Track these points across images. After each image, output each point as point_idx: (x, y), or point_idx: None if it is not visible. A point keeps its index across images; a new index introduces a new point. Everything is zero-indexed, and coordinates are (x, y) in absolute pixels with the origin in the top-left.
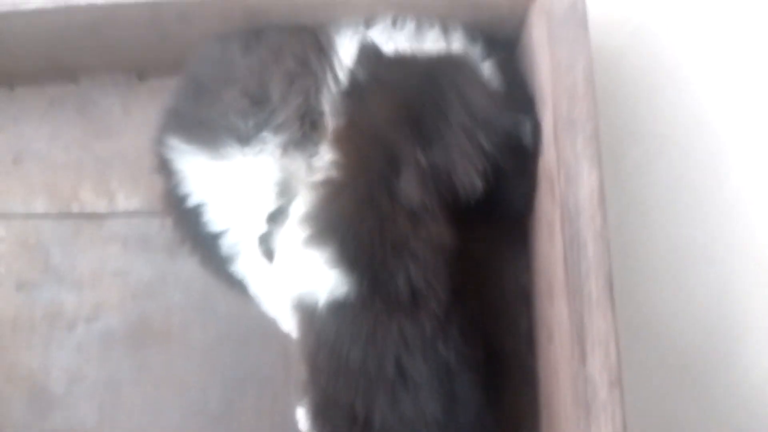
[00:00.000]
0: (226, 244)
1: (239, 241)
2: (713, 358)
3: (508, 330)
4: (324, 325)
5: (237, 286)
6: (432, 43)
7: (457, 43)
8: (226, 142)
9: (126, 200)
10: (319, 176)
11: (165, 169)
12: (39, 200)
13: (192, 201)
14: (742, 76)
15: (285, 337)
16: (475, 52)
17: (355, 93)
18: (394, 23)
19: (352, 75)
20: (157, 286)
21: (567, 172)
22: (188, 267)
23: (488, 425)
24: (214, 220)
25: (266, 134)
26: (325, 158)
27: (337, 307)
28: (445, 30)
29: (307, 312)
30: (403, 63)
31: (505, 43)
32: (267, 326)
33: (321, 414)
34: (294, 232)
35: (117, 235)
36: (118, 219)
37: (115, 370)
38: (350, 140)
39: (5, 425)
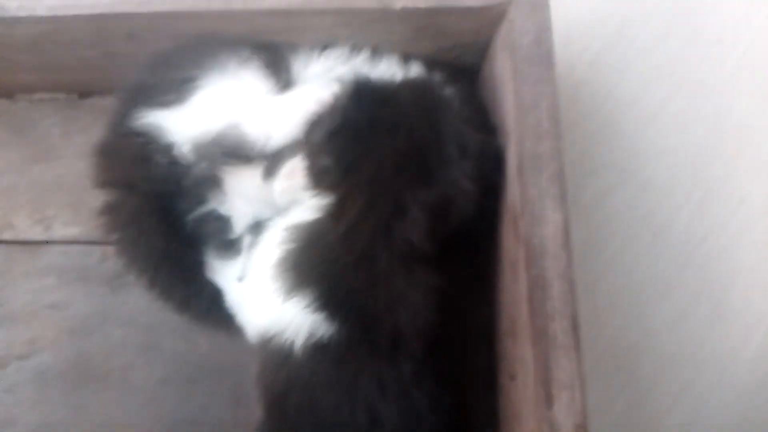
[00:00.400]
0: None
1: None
2: (670, 390)
3: (469, 368)
4: (298, 368)
5: (191, 310)
6: (390, 68)
7: (416, 70)
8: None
9: (64, 228)
10: (299, 218)
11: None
12: None
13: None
14: (698, 107)
15: (235, 375)
16: (435, 78)
17: (350, 133)
18: (351, 49)
19: (346, 114)
20: (96, 321)
21: (531, 211)
22: (131, 301)
23: None
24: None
25: None
26: (310, 201)
27: (317, 351)
28: (405, 57)
29: (278, 351)
30: (391, 98)
31: (468, 70)
32: (216, 364)
33: None
34: (268, 270)
35: (53, 266)
36: (55, 248)
37: (50, 412)
38: (352, 189)
39: None
